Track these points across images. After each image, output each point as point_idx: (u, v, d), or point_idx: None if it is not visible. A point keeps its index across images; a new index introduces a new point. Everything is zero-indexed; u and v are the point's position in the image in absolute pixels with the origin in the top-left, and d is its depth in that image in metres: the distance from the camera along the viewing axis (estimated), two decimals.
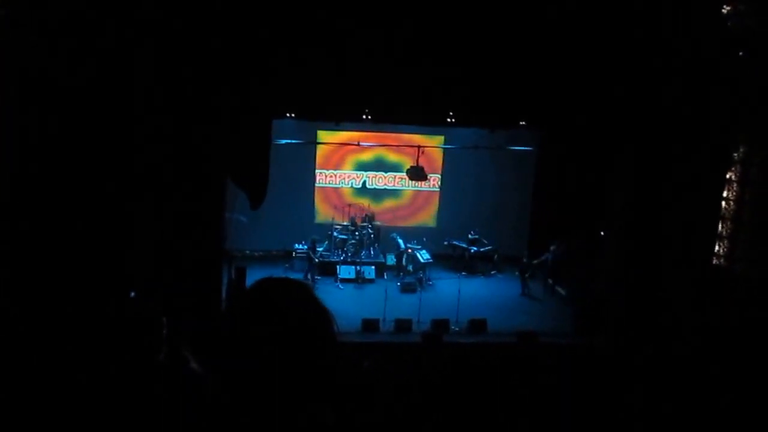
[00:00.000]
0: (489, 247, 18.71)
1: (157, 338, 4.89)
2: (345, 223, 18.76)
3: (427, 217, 19.87)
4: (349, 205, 18.93)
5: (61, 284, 12.19)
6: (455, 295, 15.60)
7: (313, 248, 17.28)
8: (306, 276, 16.97)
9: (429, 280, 17.70)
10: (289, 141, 17.02)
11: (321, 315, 2.12)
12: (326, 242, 18.44)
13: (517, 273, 17.68)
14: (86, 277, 12.45)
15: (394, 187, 19.43)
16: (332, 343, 2.11)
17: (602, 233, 15.58)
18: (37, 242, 12.28)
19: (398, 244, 17.90)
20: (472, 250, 18.51)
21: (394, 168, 19.11)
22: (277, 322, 2.02)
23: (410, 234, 18.82)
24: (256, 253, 18.65)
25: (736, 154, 13.48)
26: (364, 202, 19.18)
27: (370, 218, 18.98)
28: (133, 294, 11.55)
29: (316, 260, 17.32)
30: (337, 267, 17.51)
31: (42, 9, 11.68)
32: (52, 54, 11.81)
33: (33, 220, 12.33)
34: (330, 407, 2.06)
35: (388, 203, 19.66)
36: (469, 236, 18.62)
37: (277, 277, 2.19)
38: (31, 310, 11.61)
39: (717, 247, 13.85)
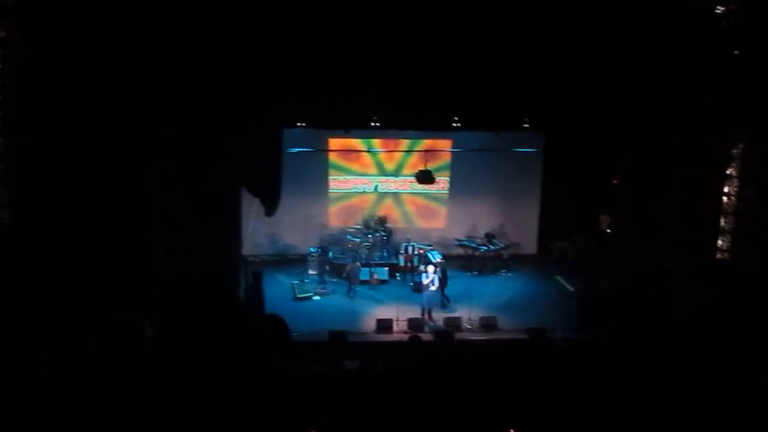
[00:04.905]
0: (499, 246, 19.12)
1: (141, 344, 5.35)
2: (358, 227, 19.23)
3: (438, 218, 20.29)
4: (362, 209, 19.38)
5: (83, 292, 12.77)
6: (467, 293, 16.02)
7: (323, 251, 17.78)
8: (321, 278, 17.49)
9: (442, 279, 18.06)
10: (300, 149, 17.49)
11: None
12: (340, 246, 18.94)
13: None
14: (109, 284, 13.01)
15: (404, 191, 19.86)
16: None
17: (608, 230, 15.88)
18: (66, 254, 12.87)
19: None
20: (482, 250, 18.93)
21: (403, 172, 19.56)
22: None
23: (421, 235, 19.29)
24: (272, 258, 19.15)
25: (735, 151, 13.77)
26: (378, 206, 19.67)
27: (382, 221, 19.44)
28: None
29: (329, 262, 17.86)
30: None
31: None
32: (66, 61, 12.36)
33: (54, 227, 12.94)
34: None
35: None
36: (486, 232, 19.16)
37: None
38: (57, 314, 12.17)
39: (720, 242, 14.14)
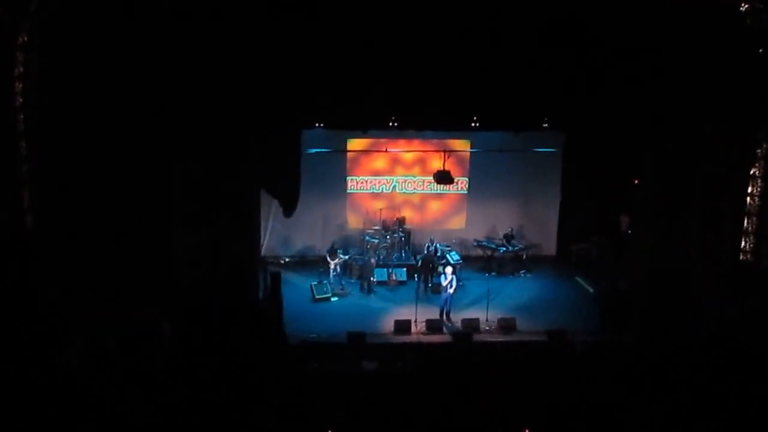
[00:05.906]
0: (518, 247, 19.00)
1: (159, 344, 5.43)
2: (376, 227, 19.20)
3: (457, 219, 20.21)
4: (381, 210, 19.35)
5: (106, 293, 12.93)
6: (485, 294, 15.94)
7: (332, 253, 17.73)
8: (337, 280, 17.48)
9: (459, 280, 17.99)
10: (319, 150, 17.49)
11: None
12: (358, 247, 18.92)
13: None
14: (131, 285, 13.15)
15: (423, 191, 19.81)
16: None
17: (628, 231, 15.72)
18: (87, 255, 13.03)
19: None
20: (501, 251, 18.82)
21: (422, 173, 19.51)
22: None
23: (441, 236, 19.22)
24: (291, 260, 19.20)
25: (759, 151, 13.57)
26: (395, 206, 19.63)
27: (400, 222, 19.39)
28: None
29: (339, 262, 17.74)
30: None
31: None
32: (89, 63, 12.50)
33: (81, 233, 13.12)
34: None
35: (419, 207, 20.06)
36: (506, 233, 19.08)
37: None
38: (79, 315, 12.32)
39: (743, 243, 13.95)
